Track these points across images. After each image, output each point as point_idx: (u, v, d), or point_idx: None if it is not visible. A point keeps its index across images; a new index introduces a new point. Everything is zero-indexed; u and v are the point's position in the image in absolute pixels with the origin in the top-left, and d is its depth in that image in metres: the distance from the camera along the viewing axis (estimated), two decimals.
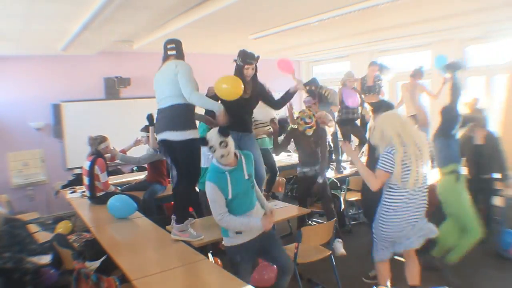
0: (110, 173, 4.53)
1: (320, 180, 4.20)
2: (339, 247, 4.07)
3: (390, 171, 2.65)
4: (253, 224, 2.54)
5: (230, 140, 2.54)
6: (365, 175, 2.81)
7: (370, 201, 3.31)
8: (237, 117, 3.22)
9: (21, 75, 5.98)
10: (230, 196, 2.52)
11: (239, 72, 3.17)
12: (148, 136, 4.69)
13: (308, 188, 4.40)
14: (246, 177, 2.61)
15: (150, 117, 4.34)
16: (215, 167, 2.58)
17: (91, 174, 4.15)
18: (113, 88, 6.66)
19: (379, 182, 2.73)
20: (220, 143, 2.48)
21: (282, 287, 2.83)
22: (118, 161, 4.80)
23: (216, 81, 3.04)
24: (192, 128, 2.91)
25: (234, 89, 2.98)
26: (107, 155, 4.42)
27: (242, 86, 3.01)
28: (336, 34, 5.94)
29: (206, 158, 3.64)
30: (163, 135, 2.93)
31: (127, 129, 5.89)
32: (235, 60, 3.19)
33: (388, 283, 3.04)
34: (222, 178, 2.52)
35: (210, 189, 2.51)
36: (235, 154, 2.63)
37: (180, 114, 2.88)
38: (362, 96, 5.79)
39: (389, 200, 2.77)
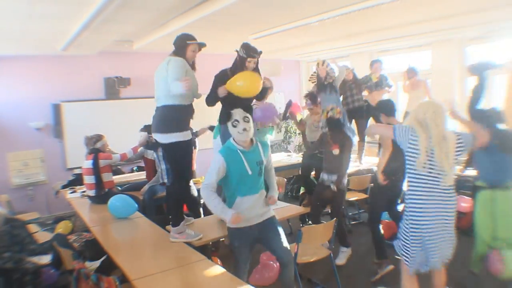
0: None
1: (334, 188, 3.88)
2: (342, 257, 3.98)
3: (394, 131, 2.59)
4: (223, 214, 2.59)
5: (251, 119, 2.68)
6: (380, 128, 3.01)
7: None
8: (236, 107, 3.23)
9: (21, 75, 5.98)
10: (250, 172, 2.61)
11: (240, 64, 3.13)
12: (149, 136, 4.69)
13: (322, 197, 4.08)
14: (257, 162, 2.69)
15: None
16: (229, 144, 2.69)
17: (96, 171, 4.15)
18: (113, 88, 6.66)
19: (384, 130, 2.87)
20: (244, 117, 2.63)
21: (286, 279, 2.82)
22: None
23: (231, 80, 2.99)
24: (176, 131, 2.89)
25: (252, 85, 2.96)
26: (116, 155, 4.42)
27: (261, 81, 2.98)
28: (336, 34, 5.95)
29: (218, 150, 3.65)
30: (154, 136, 3.05)
31: (127, 129, 5.89)
32: (237, 51, 3.18)
33: None
34: (235, 156, 2.62)
35: (216, 161, 2.62)
36: (251, 139, 2.72)
37: (166, 117, 2.89)
38: (365, 92, 5.82)
39: (414, 190, 2.56)
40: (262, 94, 3.48)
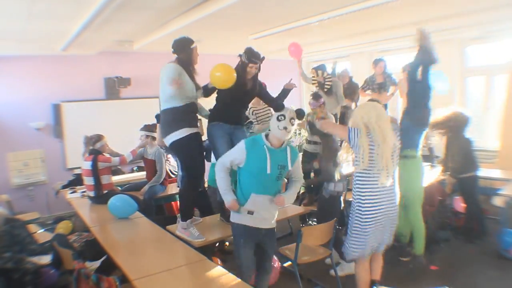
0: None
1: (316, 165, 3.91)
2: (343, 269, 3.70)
3: (349, 134, 2.71)
4: (224, 195, 2.62)
5: (295, 126, 2.62)
6: (331, 126, 3.12)
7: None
8: (232, 110, 3.27)
9: (21, 75, 5.97)
10: (269, 171, 2.55)
11: (242, 68, 3.16)
12: (146, 135, 4.70)
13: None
14: (279, 165, 2.61)
15: (158, 117, 4.41)
16: (258, 138, 2.62)
17: (95, 172, 4.15)
18: (113, 88, 6.66)
19: (338, 130, 3.06)
20: (291, 119, 2.57)
21: (263, 285, 2.86)
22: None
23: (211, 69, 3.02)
24: (176, 129, 2.97)
25: (227, 76, 2.96)
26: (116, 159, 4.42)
27: (235, 74, 2.98)
28: (336, 34, 5.94)
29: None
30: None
31: (127, 129, 5.89)
32: (240, 56, 3.19)
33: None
34: (259, 150, 2.55)
35: (239, 147, 2.60)
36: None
37: (164, 120, 3.05)
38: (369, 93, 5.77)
39: (362, 189, 2.73)
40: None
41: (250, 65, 3.13)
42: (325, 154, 3.79)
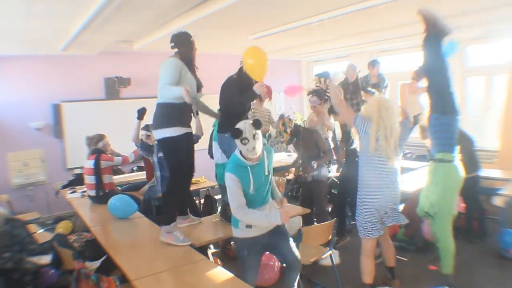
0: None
1: (308, 178, 4.17)
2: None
3: (355, 119, 2.94)
4: (271, 219, 2.48)
5: (261, 134, 2.53)
6: (338, 100, 3.12)
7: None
8: (239, 116, 3.22)
9: (21, 75, 5.98)
10: (251, 191, 2.52)
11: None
12: (147, 135, 4.69)
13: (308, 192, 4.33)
14: (266, 173, 2.61)
15: (140, 111, 4.41)
16: (237, 160, 2.54)
17: (97, 171, 4.15)
18: (113, 88, 6.66)
19: (346, 112, 3.10)
20: (254, 135, 2.47)
21: (291, 284, 2.80)
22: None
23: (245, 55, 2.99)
24: (165, 127, 2.90)
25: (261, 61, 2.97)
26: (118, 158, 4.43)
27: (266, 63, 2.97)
28: (336, 34, 5.94)
29: (220, 154, 3.51)
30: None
31: (127, 129, 5.87)
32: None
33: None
34: (244, 172, 2.51)
35: (231, 181, 2.49)
36: None
37: (157, 114, 2.96)
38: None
39: (369, 169, 2.94)
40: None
41: None
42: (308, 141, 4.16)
